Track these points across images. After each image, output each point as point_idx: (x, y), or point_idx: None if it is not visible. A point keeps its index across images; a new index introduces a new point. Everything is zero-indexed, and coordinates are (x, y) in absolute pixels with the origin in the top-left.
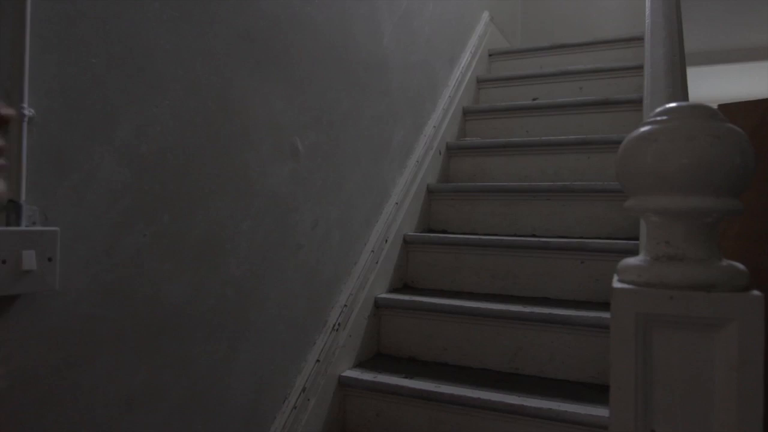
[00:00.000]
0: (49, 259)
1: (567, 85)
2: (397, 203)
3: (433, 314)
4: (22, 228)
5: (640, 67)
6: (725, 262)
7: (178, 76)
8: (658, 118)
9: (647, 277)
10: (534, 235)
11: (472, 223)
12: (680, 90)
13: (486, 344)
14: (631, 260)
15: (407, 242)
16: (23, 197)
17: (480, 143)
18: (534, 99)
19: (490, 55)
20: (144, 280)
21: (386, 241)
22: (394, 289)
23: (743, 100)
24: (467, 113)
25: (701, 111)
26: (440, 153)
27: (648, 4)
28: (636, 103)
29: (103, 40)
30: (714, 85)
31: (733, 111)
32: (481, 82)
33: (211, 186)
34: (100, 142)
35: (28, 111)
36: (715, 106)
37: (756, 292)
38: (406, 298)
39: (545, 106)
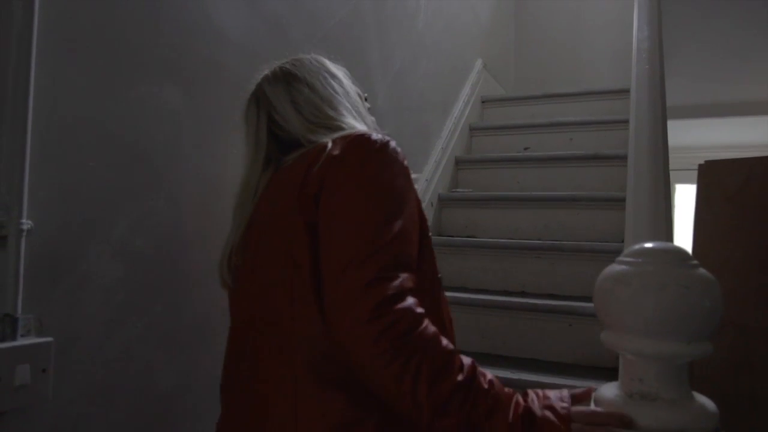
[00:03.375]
0: (43, 371)
1: (558, 135)
2: None
3: None
4: (17, 343)
5: (628, 121)
6: (696, 403)
7: (174, 167)
8: (632, 260)
9: None
10: (524, 292)
11: (462, 277)
12: (660, 151)
13: None
14: (607, 393)
15: None
16: (19, 311)
17: (472, 196)
18: (525, 148)
19: (483, 102)
20: (135, 372)
21: None
22: None
23: (728, 145)
24: (460, 162)
25: (673, 255)
26: (432, 205)
27: (634, 63)
28: (623, 158)
29: (103, 142)
30: (700, 133)
31: (720, 168)
32: (473, 130)
33: (206, 272)
34: (97, 241)
35: (26, 225)
36: (702, 160)
37: None
38: None
39: (536, 159)
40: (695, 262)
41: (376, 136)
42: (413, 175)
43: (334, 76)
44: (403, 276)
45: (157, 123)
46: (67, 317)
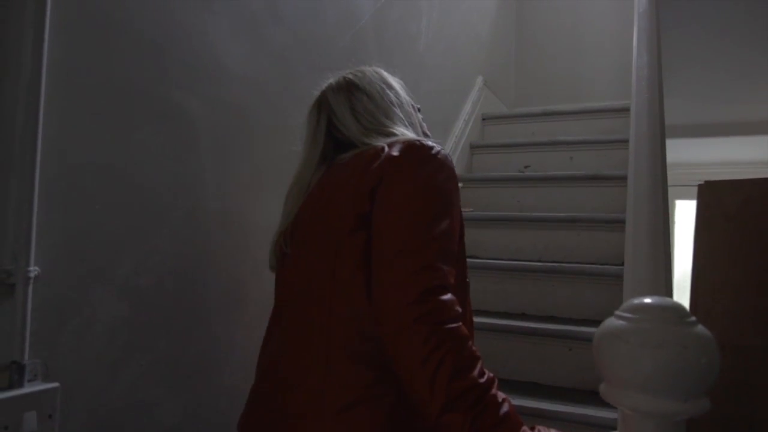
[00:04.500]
0: (50, 416)
1: (558, 154)
2: None
3: None
4: (25, 390)
5: (628, 140)
6: None
7: (178, 204)
8: (630, 316)
9: None
10: (524, 314)
11: None
12: (659, 181)
13: None
14: None
15: None
16: (26, 357)
17: (473, 215)
18: (526, 166)
19: (483, 119)
20: (140, 410)
21: None
22: None
23: (728, 161)
24: (461, 181)
25: (671, 313)
26: None
27: (633, 90)
28: (623, 179)
29: (109, 184)
30: (699, 150)
31: (719, 188)
32: (474, 147)
33: (208, 304)
34: (101, 282)
35: (33, 272)
36: (701, 180)
37: None
38: None
39: (537, 178)
40: (693, 319)
41: (430, 142)
42: None
43: (391, 87)
44: (447, 269)
45: (162, 162)
46: (73, 360)
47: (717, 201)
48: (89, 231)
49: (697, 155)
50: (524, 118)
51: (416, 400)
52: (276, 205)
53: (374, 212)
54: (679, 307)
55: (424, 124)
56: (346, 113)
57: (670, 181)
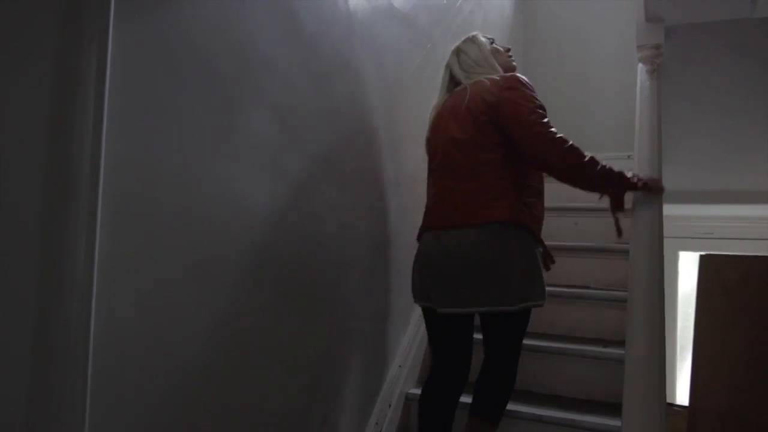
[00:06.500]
0: None
1: (563, 219)
2: (400, 366)
3: None
4: None
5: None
6: None
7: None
8: None
9: None
10: (529, 392)
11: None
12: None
13: None
14: None
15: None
16: None
17: None
18: None
19: None
20: None
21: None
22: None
23: (731, 216)
24: None
25: None
26: None
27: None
28: (626, 253)
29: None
30: (697, 207)
31: (720, 262)
32: None
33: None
34: None
35: None
36: (706, 233)
37: None
38: None
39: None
40: None
41: (522, 77)
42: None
43: (492, 43)
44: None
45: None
46: None
47: (717, 274)
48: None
49: (699, 209)
50: None
51: (541, 168)
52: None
53: (502, 110)
54: None
55: (512, 60)
56: (466, 60)
57: (674, 233)
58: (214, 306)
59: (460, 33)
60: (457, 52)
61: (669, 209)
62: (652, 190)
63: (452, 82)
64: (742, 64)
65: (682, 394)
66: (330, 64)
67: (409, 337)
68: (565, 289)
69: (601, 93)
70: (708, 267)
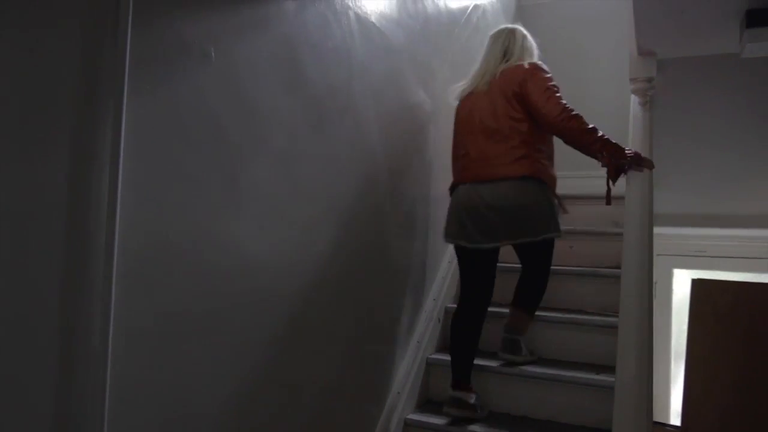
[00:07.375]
0: None
1: (559, 242)
2: (398, 393)
3: None
4: None
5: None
6: None
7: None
8: None
9: None
10: (525, 417)
11: None
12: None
13: None
14: None
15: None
16: None
17: None
18: None
19: None
20: None
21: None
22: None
23: (725, 235)
24: None
25: None
26: (439, 321)
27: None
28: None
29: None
30: (688, 230)
31: (709, 287)
32: None
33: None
34: None
35: None
36: (699, 251)
37: None
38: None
39: None
40: None
41: (543, 64)
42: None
43: (526, 38)
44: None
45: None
46: None
47: (708, 298)
48: None
49: (691, 230)
50: None
51: (552, 127)
52: None
53: (526, 89)
54: None
55: (538, 53)
56: (509, 48)
57: (667, 251)
58: (223, 357)
59: (459, 61)
60: (513, 33)
61: (662, 229)
62: (643, 162)
63: (500, 57)
64: (732, 98)
65: (675, 403)
66: (329, 109)
67: (407, 365)
68: (560, 315)
69: (599, 113)
70: (700, 291)
